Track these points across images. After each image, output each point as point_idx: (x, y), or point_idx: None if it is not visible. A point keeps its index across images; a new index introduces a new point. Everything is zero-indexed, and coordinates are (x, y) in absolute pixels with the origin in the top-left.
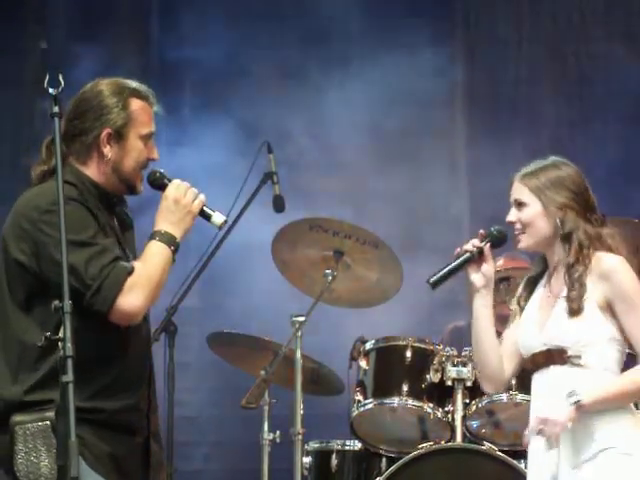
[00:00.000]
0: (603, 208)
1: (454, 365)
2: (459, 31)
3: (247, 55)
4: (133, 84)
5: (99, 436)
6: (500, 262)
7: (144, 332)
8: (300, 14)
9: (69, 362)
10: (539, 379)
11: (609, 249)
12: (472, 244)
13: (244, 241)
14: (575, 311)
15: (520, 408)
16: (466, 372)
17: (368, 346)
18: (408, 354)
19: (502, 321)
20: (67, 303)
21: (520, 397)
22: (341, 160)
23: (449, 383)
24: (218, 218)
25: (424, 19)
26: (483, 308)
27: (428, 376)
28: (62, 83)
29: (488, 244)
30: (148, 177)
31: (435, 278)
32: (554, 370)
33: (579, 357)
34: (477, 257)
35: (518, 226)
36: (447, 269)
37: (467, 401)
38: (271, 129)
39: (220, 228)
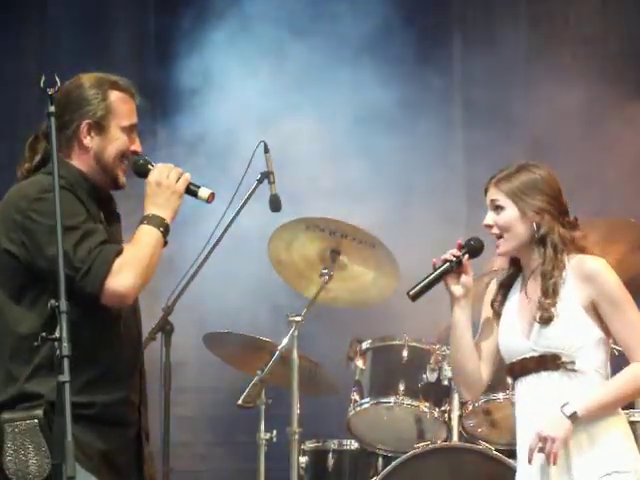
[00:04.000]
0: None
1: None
2: (456, 31)
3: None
4: (113, 77)
5: (90, 433)
6: (497, 262)
7: (134, 324)
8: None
9: (66, 362)
10: (528, 384)
11: (583, 251)
12: (451, 254)
13: (240, 241)
14: (546, 319)
15: None
16: None
17: (364, 345)
18: (404, 353)
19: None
20: (63, 302)
21: None
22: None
23: (445, 382)
24: (204, 192)
25: (422, 19)
26: (462, 317)
27: (425, 375)
28: (58, 83)
29: (466, 254)
30: (132, 165)
31: (415, 290)
32: (546, 376)
33: (573, 362)
34: (456, 267)
35: (495, 230)
36: (427, 280)
37: (463, 400)
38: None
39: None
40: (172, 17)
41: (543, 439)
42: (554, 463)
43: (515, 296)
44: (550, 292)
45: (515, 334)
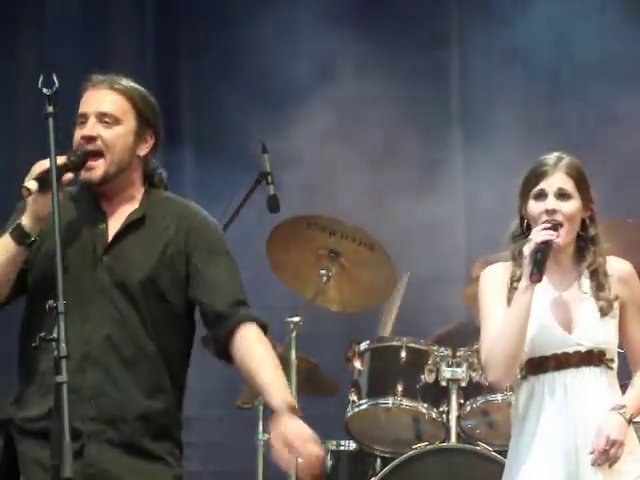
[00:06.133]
0: None
1: (448, 365)
2: (454, 35)
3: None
4: None
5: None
6: (475, 266)
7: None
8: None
9: (63, 362)
10: (563, 378)
11: (605, 251)
12: (549, 234)
13: (239, 240)
14: (606, 312)
15: None
16: (461, 372)
17: (363, 346)
18: (403, 354)
19: None
20: (61, 303)
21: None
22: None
23: (444, 383)
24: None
25: (420, 21)
26: (532, 299)
27: (423, 376)
28: (56, 83)
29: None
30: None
31: (540, 272)
32: (587, 371)
33: (613, 360)
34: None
35: (559, 217)
36: (540, 260)
37: (462, 401)
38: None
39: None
40: (171, 17)
41: (612, 442)
42: (610, 466)
43: (541, 290)
44: (606, 287)
45: (554, 327)
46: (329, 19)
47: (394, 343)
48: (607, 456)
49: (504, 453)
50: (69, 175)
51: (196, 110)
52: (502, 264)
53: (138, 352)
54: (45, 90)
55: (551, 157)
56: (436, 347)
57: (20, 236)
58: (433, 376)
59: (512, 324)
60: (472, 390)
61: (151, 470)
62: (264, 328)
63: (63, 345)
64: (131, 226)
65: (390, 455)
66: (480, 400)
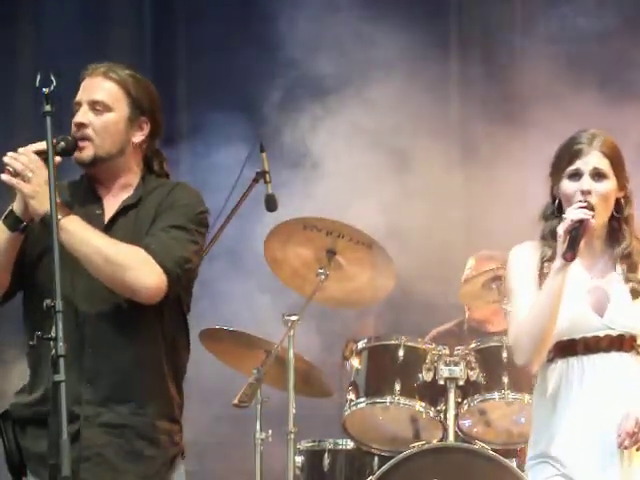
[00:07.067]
0: None
1: (446, 364)
2: (453, 31)
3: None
4: None
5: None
6: (471, 263)
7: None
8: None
9: (61, 361)
10: (591, 363)
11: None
12: (585, 213)
13: (237, 239)
14: (636, 295)
15: (512, 407)
16: (458, 371)
17: (360, 345)
18: (400, 353)
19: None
20: (59, 302)
21: (512, 396)
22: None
23: (441, 382)
24: None
25: (418, 19)
26: (565, 280)
27: (420, 375)
28: (54, 82)
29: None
30: None
31: (574, 251)
32: (616, 356)
33: None
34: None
35: (593, 199)
36: (574, 237)
37: (459, 400)
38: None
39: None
40: (169, 14)
41: None
42: (638, 449)
43: (573, 271)
44: (639, 269)
45: (585, 310)
46: (329, 13)
47: (392, 342)
48: (635, 439)
49: (501, 452)
50: (57, 159)
51: (195, 108)
52: (531, 243)
53: (136, 334)
54: (43, 89)
55: (585, 135)
56: (434, 346)
57: (13, 222)
58: (431, 375)
59: (543, 306)
60: (470, 389)
61: (147, 454)
62: (167, 274)
63: (61, 344)
64: (124, 211)
65: (388, 454)
66: (478, 399)
